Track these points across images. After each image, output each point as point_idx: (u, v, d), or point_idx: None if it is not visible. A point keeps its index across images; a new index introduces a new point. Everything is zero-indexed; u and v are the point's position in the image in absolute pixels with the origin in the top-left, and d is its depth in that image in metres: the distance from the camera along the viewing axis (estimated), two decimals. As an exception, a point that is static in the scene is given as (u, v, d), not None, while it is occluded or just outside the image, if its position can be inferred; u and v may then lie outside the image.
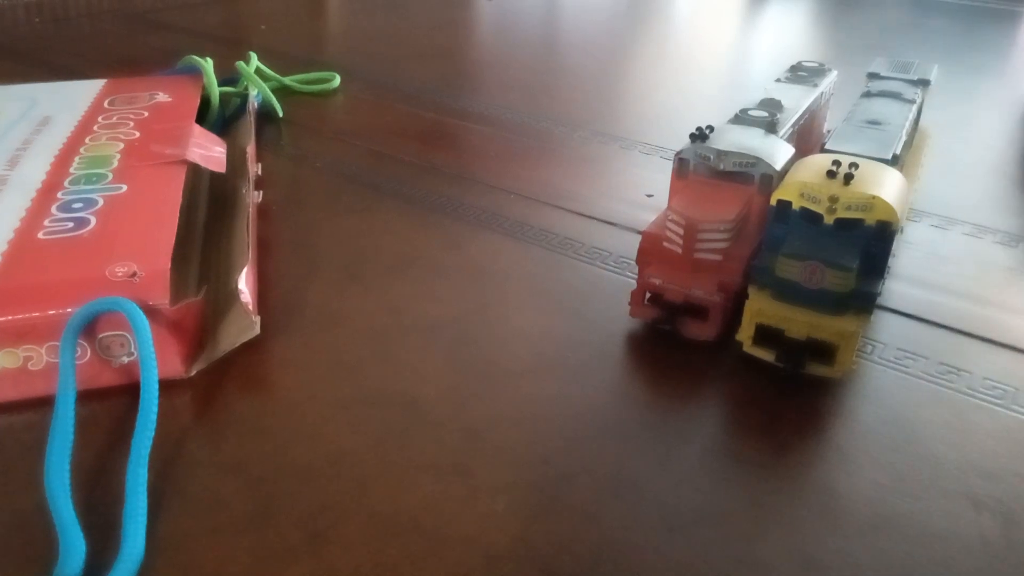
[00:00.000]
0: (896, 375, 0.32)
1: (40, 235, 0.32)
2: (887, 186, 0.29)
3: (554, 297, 0.36)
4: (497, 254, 0.40)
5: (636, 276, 0.34)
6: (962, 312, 0.36)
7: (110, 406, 0.29)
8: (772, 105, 0.39)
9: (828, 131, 0.47)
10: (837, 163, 0.30)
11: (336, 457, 0.27)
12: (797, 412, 0.30)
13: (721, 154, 0.33)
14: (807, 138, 0.43)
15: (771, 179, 0.33)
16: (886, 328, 0.35)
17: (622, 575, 0.23)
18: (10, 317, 0.28)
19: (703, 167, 0.34)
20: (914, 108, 0.40)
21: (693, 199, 0.33)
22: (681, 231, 0.32)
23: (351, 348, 0.33)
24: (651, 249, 0.34)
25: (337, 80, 0.64)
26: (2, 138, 0.41)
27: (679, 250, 0.33)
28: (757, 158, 0.33)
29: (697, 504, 0.26)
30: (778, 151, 0.34)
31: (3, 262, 0.30)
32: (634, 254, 0.34)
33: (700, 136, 0.34)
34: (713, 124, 0.35)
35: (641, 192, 0.48)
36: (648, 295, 0.33)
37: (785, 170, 0.33)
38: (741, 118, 0.37)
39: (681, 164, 0.34)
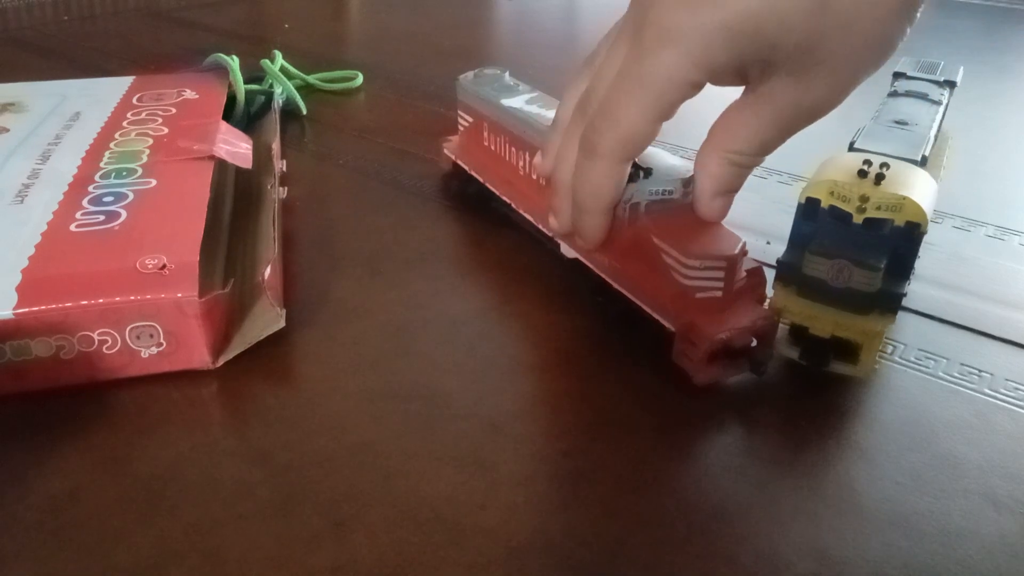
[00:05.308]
0: (917, 376, 0.32)
1: (72, 227, 0.32)
2: (918, 187, 0.29)
3: (574, 294, 0.37)
4: (518, 251, 0.40)
5: (679, 351, 0.31)
6: (984, 314, 0.36)
7: (136, 395, 0.29)
8: None
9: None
10: (868, 163, 0.30)
11: (359, 448, 0.27)
12: (818, 410, 0.30)
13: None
14: None
15: None
16: (907, 329, 0.35)
17: (641, 570, 0.23)
18: (43, 307, 0.28)
19: (656, 205, 0.32)
20: (941, 109, 0.40)
21: (683, 237, 0.31)
22: (722, 273, 0.30)
23: (374, 341, 0.33)
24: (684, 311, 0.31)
25: (360, 78, 0.65)
26: (34, 133, 0.42)
27: (719, 293, 0.30)
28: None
29: (716, 500, 0.26)
30: None
31: (36, 254, 0.31)
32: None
33: (635, 174, 0.32)
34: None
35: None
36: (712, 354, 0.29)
37: None
38: None
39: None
